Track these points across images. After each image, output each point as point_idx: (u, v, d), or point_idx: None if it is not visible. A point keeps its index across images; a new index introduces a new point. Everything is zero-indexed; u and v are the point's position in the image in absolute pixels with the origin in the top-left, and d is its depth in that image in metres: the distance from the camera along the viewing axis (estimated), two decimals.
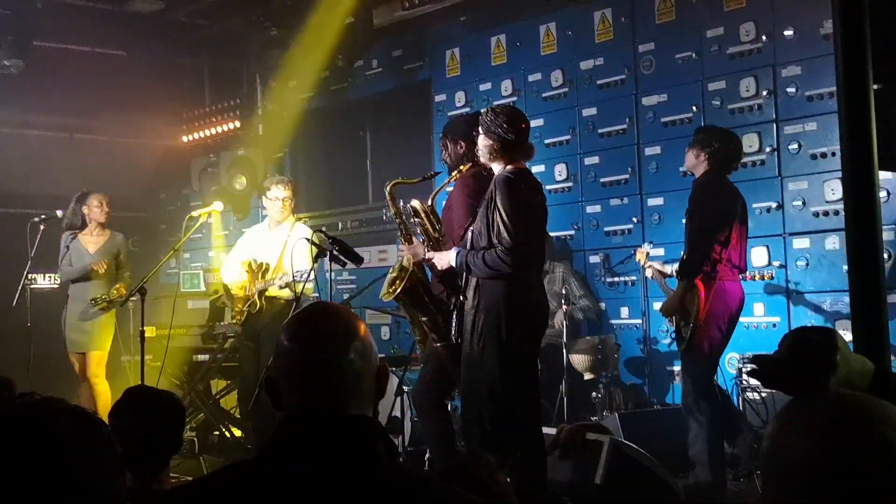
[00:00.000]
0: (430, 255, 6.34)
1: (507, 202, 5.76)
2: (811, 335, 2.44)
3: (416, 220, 6.53)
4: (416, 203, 6.52)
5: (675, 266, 7.31)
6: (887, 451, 1.67)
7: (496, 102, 9.82)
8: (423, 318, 6.48)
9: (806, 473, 1.70)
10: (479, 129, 6.03)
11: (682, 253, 7.19)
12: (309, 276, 7.54)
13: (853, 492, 1.66)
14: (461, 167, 6.57)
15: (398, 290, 6.37)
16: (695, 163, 7.17)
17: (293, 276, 7.82)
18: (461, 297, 6.05)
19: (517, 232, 5.73)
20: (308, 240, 7.59)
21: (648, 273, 7.84)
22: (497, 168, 6.02)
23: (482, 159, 6.13)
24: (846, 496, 1.66)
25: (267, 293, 8.46)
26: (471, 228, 6.03)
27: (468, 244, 6.00)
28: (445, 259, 6.17)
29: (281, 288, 8.29)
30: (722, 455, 7.02)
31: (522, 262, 5.81)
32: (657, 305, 8.93)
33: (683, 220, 7.35)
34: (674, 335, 7.42)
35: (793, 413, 1.79)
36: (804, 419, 1.75)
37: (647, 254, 7.89)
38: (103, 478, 2.06)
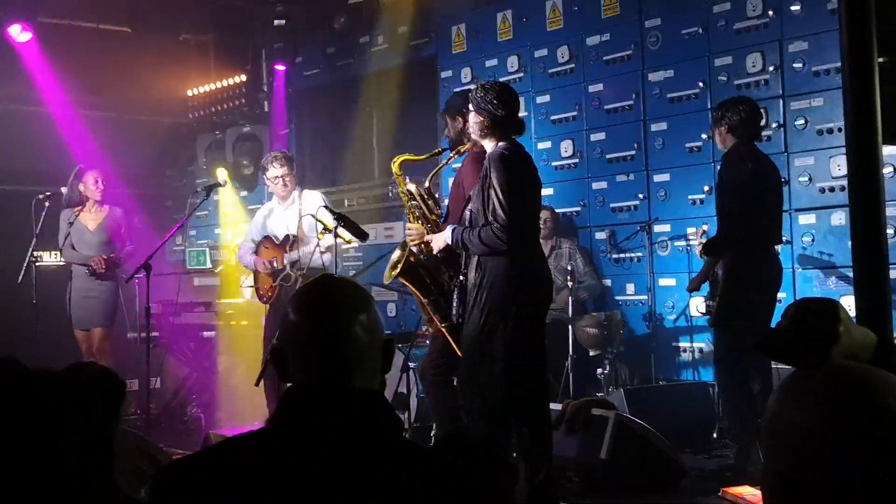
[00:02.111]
0: (427, 237, 6.34)
1: (502, 178, 5.74)
2: (814, 306, 2.44)
3: (412, 203, 6.52)
4: (411, 186, 6.51)
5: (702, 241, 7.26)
6: (891, 422, 1.68)
7: (502, 79, 9.81)
8: (426, 300, 6.48)
9: (808, 443, 1.70)
10: (470, 106, 6.02)
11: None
12: (312, 255, 7.63)
13: (856, 462, 1.66)
14: (459, 147, 6.57)
15: (397, 273, 6.38)
16: (721, 140, 7.08)
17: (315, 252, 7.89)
18: (461, 277, 6.05)
19: (513, 208, 5.71)
20: (313, 216, 7.61)
21: (699, 251, 7.67)
22: (489, 145, 6.01)
23: (473, 136, 6.12)
24: (849, 467, 1.66)
25: (299, 264, 8.42)
26: (468, 208, 6.02)
27: (466, 223, 5.99)
28: (441, 239, 6.16)
29: (322, 253, 8.21)
30: (744, 431, 6.93)
31: (520, 237, 5.79)
32: (663, 282, 8.94)
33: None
34: (706, 310, 7.41)
35: (796, 383, 1.79)
36: (807, 389, 1.75)
37: (704, 232, 7.75)
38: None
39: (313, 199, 8.43)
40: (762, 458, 1.81)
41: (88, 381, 2.21)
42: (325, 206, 7.82)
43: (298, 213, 8.50)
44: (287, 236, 8.52)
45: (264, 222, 8.82)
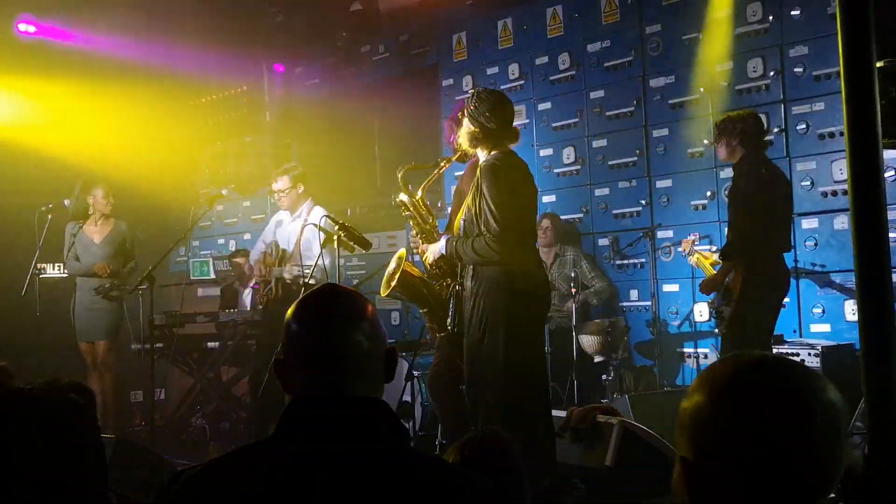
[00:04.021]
0: (422, 247, 6.34)
1: (493, 189, 5.73)
2: None
3: (406, 213, 6.50)
4: (403, 197, 6.49)
5: (718, 248, 7.32)
6: (800, 410, 1.67)
7: (503, 86, 9.83)
8: (423, 310, 6.48)
9: (712, 430, 1.69)
10: (465, 113, 6.00)
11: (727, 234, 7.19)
12: (315, 265, 7.64)
13: (758, 450, 1.65)
14: (451, 156, 6.56)
15: (393, 285, 6.38)
16: (728, 152, 7.13)
17: (301, 271, 7.95)
18: (458, 286, 6.05)
19: (505, 218, 5.70)
20: (315, 225, 7.62)
21: (693, 260, 7.79)
22: (482, 154, 6.00)
23: (464, 146, 6.10)
24: (751, 454, 1.66)
25: (283, 281, 8.53)
26: (462, 217, 6.02)
27: (461, 233, 5.99)
28: (436, 249, 6.16)
29: (288, 280, 8.39)
30: None
31: (513, 247, 5.78)
32: (666, 288, 8.93)
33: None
34: (713, 315, 7.41)
35: (707, 373, 1.78)
36: (715, 379, 1.75)
37: (693, 242, 7.84)
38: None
39: (315, 216, 8.50)
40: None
41: (61, 395, 2.21)
42: (327, 216, 7.91)
43: (300, 228, 8.56)
44: (281, 250, 8.62)
45: (275, 229, 8.92)
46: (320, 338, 2.27)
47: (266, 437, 2.24)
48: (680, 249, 8.37)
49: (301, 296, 2.43)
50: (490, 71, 10.49)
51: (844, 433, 1.71)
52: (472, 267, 5.90)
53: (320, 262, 8.01)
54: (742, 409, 1.68)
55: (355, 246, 7.34)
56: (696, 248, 7.87)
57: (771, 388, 1.69)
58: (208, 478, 2.18)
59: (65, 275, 10.04)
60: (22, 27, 11.26)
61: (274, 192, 8.82)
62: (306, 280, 7.95)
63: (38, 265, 9.63)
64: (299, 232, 8.55)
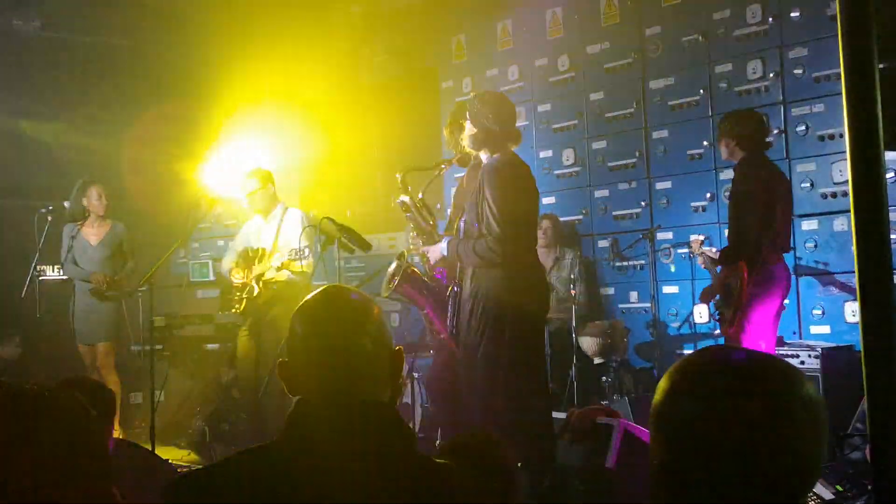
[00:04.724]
0: (423, 248, 6.34)
1: (495, 191, 5.74)
2: None
3: (407, 214, 6.51)
4: (404, 198, 6.49)
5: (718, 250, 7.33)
6: (784, 414, 1.66)
7: (503, 88, 9.83)
8: (424, 311, 6.48)
9: (696, 433, 1.67)
10: (467, 115, 6.01)
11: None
12: (303, 253, 7.63)
13: (746, 456, 1.64)
14: (451, 158, 6.57)
15: (394, 286, 6.38)
16: (728, 152, 7.15)
17: (287, 256, 7.92)
18: (456, 287, 6.05)
19: (506, 221, 5.71)
20: (316, 227, 7.62)
21: (700, 261, 7.80)
22: (484, 156, 6.00)
23: (468, 147, 6.11)
24: (738, 460, 1.64)
25: (264, 278, 8.48)
26: (462, 219, 6.02)
27: (461, 234, 5.99)
28: (437, 250, 6.16)
29: (278, 269, 8.30)
30: None
31: (514, 249, 5.78)
32: (666, 289, 8.93)
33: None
34: (717, 317, 7.41)
35: (687, 372, 1.76)
36: (699, 378, 1.72)
37: (702, 242, 7.86)
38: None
39: (294, 218, 8.50)
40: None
41: (82, 395, 2.21)
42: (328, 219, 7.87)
43: (277, 229, 8.54)
44: (257, 249, 8.59)
45: (248, 235, 8.87)
46: (325, 340, 2.27)
47: (269, 439, 2.24)
48: (684, 251, 8.38)
49: (304, 297, 2.42)
50: (490, 73, 10.48)
51: (825, 429, 1.70)
52: (470, 268, 5.90)
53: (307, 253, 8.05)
54: (720, 407, 1.65)
55: (355, 248, 7.34)
56: (703, 248, 7.86)
57: (750, 384, 1.67)
58: (215, 480, 2.18)
59: (64, 277, 10.04)
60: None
61: (246, 197, 8.75)
62: (298, 262, 7.96)
63: (38, 267, 9.62)
64: (276, 231, 8.54)
